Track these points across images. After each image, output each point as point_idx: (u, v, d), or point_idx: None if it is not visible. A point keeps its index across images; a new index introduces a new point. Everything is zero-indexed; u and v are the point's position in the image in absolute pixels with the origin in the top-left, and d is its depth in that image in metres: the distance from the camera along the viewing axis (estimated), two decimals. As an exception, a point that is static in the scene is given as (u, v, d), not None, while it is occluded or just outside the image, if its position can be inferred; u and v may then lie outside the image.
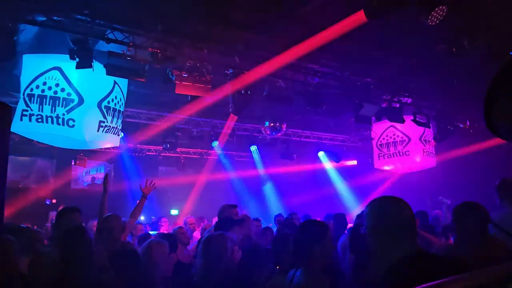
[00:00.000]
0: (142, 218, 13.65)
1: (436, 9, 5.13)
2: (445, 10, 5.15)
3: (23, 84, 6.37)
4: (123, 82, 7.09)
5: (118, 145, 7.70)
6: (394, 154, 10.72)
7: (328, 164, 13.91)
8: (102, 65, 6.30)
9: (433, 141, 10.70)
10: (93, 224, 5.86)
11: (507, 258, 2.51)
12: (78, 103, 6.35)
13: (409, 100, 9.68)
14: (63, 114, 6.25)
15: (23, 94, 6.32)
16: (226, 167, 14.75)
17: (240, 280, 3.27)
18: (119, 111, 7.01)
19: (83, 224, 4.09)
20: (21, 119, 6.27)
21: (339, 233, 5.86)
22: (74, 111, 6.32)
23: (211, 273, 3.11)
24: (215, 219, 5.55)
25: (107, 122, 6.71)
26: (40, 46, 6.63)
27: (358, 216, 5.81)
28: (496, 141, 11.31)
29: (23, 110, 6.27)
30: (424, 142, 10.49)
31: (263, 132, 10.84)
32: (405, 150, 10.52)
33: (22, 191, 12.66)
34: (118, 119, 7.01)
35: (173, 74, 6.88)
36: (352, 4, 5.83)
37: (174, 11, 6.19)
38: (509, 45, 6.36)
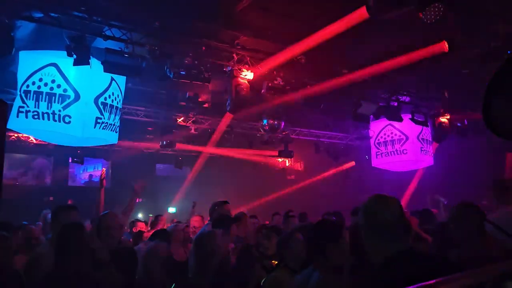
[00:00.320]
0: (140, 215, 13.66)
1: (432, 6, 5.12)
2: (441, 9, 5.15)
3: (20, 81, 6.34)
4: (120, 79, 7.07)
5: (116, 142, 7.67)
6: (392, 152, 10.73)
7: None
8: (99, 62, 6.27)
9: (430, 139, 10.73)
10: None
11: (506, 257, 2.52)
12: (74, 99, 6.32)
13: (407, 99, 9.69)
14: (59, 111, 6.23)
15: (20, 91, 6.29)
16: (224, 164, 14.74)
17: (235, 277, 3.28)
18: (116, 107, 6.98)
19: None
20: (17, 116, 6.24)
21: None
22: (70, 107, 6.29)
23: (204, 271, 3.11)
24: None
25: (104, 118, 6.69)
26: (37, 43, 6.60)
27: (352, 213, 5.82)
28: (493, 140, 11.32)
29: (20, 107, 6.25)
30: (421, 141, 10.51)
31: (262, 130, 10.84)
32: (402, 149, 10.55)
33: (19, 188, 12.63)
34: (115, 115, 6.99)
35: (171, 72, 6.86)
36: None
37: (171, 8, 6.17)
38: (508, 44, 6.36)
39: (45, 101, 6.20)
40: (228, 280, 3.14)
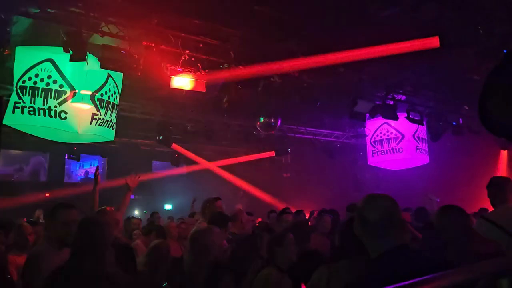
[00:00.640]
0: (136, 212, 13.66)
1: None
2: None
3: (16, 76, 6.32)
4: (117, 76, 7.05)
5: (112, 139, 7.65)
6: (388, 151, 10.77)
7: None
8: (96, 58, 6.24)
9: (426, 138, 10.77)
10: None
11: (497, 254, 2.54)
12: (70, 95, 6.30)
13: (403, 97, 9.72)
14: (55, 106, 6.21)
15: (16, 86, 6.27)
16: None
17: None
18: (113, 104, 6.96)
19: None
20: (13, 112, 6.22)
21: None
22: (66, 103, 6.27)
23: (200, 267, 3.11)
24: None
25: (100, 115, 6.67)
26: (33, 39, 6.57)
27: (348, 209, 5.86)
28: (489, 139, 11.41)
29: (16, 103, 6.23)
30: (417, 139, 10.56)
31: (258, 128, 10.83)
32: (398, 147, 10.59)
33: (15, 185, 12.59)
34: (112, 112, 6.97)
35: (168, 68, 6.85)
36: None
37: (169, 5, 6.15)
38: (503, 43, 6.39)
39: (41, 96, 6.18)
40: (224, 276, 3.14)
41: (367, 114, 9.49)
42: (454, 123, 10.38)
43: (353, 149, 13.65)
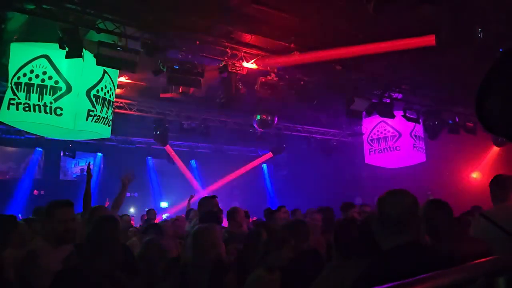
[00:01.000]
0: (131, 210, 13.62)
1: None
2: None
3: (11, 73, 6.27)
4: (113, 72, 7.02)
5: (108, 136, 7.62)
6: (385, 149, 10.79)
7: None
8: (92, 55, 6.21)
9: (422, 136, 10.80)
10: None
11: (487, 252, 2.53)
12: (66, 91, 6.27)
13: (400, 96, 9.73)
14: (51, 103, 6.17)
15: (11, 83, 6.22)
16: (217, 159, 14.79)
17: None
18: (109, 101, 6.93)
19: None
20: (8, 108, 6.18)
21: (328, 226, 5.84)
22: (62, 99, 6.23)
23: (203, 264, 3.06)
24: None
25: (96, 111, 6.64)
26: (29, 35, 6.52)
27: (341, 208, 5.84)
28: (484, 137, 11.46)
29: (10, 99, 6.18)
30: (414, 138, 10.59)
31: (254, 126, 10.81)
32: (396, 145, 10.61)
33: (10, 182, 12.52)
34: (108, 109, 6.94)
35: (164, 66, 6.82)
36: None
37: (165, 2, 6.12)
38: (500, 41, 6.39)
39: (36, 93, 6.14)
40: (226, 275, 3.10)
41: (364, 113, 9.50)
42: (450, 122, 10.41)
43: (350, 147, 13.67)
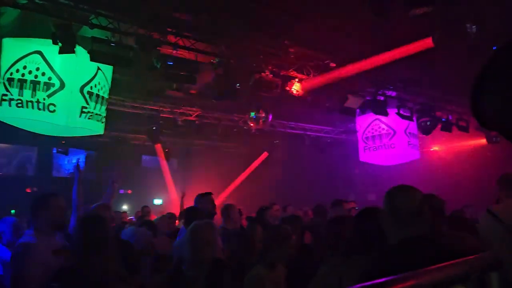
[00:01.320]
0: (125, 207, 13.58)
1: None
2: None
3: (3, 68, 6.21)
4: (107, 69, 6.97)
5: (102, 133, 7.57)
6: (380, 147, 10.82)
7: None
8: (86, 51, 6.16)
9: (416, 133, 10.85)
10: None
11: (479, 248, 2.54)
12: (59, 88, 6.21)
13: (393, 93, 9.76)
14: (44, 99, 6.12)
15: (3, 79, 6.17)
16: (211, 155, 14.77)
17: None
18: (102, 97, 6.89)
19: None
20: (0, 104, 6.12)
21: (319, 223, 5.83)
22: (55, 96, 6.18)
23: (202, 261, 3.03)
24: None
25: (89, 108, 6.60)
26: (21, 31, 6.45)
27: (332, 204, 5.84)
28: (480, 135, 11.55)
29: (3, 95, 6.13)
30: (408, 135, 10.63)
31: (249, 123, 10.81)
32: (390, 143, 10.64)
33: (2, 179, 12.44)
34: (101, 105, 6.89)
35: (159, 62, 6.78)
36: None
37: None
38: (495, 38, 6.42)
39: (29, 89, 6.09)
40: (226, 272, 3.07)
41: (358, 110, 9.51)
42: (443, 119, 10.47)
43: (343, 145, 13.71)
